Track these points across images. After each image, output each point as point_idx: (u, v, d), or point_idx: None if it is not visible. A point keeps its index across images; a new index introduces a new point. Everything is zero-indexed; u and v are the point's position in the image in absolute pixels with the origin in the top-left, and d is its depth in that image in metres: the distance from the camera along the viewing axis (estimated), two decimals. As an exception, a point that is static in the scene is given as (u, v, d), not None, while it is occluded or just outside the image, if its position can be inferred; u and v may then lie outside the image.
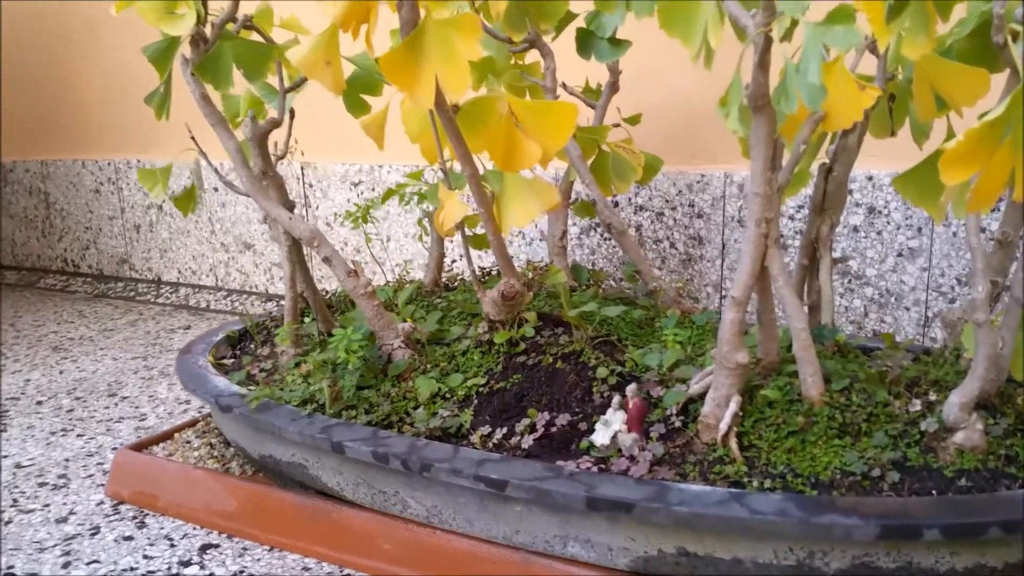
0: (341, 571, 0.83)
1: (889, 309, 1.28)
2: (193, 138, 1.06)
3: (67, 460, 1.12)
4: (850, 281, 1.30)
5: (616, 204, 1.47)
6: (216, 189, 1.95)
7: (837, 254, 1.30)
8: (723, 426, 0.73)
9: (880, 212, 1.26)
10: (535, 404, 0.85)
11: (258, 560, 0.85)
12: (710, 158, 1.40)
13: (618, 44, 1.07)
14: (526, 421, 0.82)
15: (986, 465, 0.68)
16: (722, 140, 1.38)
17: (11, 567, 0.86)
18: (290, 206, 0.96)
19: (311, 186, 1.82)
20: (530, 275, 1.19)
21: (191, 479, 0.95)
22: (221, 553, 0.87)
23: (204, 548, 0.89)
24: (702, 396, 0.79)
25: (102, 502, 0.99)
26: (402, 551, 0.80)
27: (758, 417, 0.75)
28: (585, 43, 1.08)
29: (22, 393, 1.41)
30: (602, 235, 1.49)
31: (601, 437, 0.78)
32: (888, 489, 0.67)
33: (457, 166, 0.87)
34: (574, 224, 1.51)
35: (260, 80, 0.88)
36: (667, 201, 1.43)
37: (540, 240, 1.56)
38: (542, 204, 0.87)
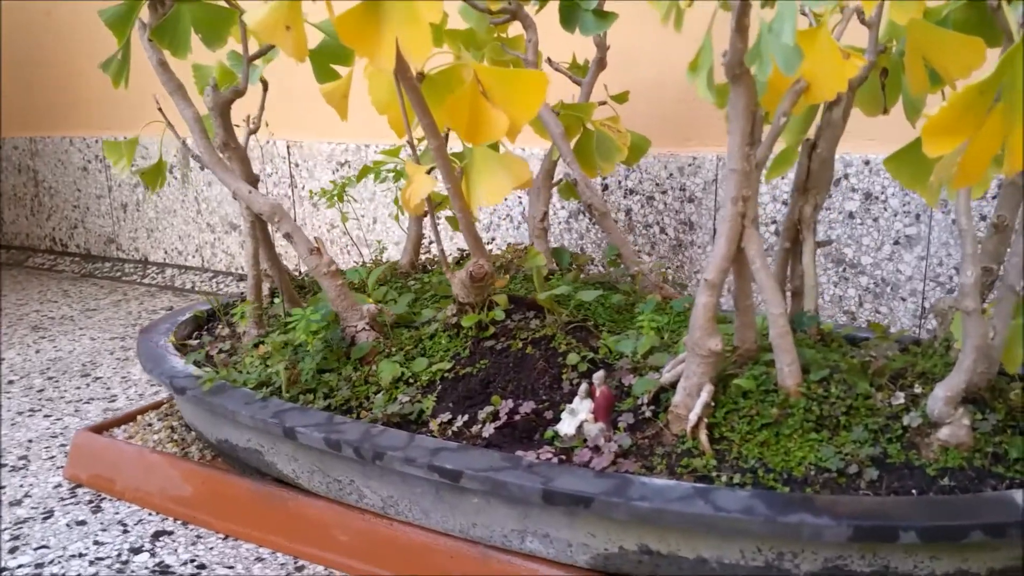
0: (295, 563, 0.79)
1: (885, 299, 1.23)
2: (160, 110, 1.02)
3: (30, 441, 1.08)
4: (844, 269, 1.25)
5: (606, 187, 1.42)
6: (202, 168, 1.91)
7: (823, 237, 1.25)
8: (693, 417, 0.69)
9: (877, 198, 1.21)
10: (501, 391, 0.81)
11: (211, 549, 0.82)
12: (702, 140, 1.35)
13: (604, 16, 1.02)
14: (489, 408, 0.78)
15: (971, 463, 0.63)
16: (715, 121, 1.33)
17: (-46, 552, 0.83)
18: (253, 180, 0.92)
19: (297, 165, 1.77)
20: (509, 257, 1.15)
21: (148, 463, 0.92)
22: (174, 540, 0.84)
23: (157, 535, 0.85)
24: (675, 385, 0.74)
25: (59, 485, 0.96)
26: (358, 543, 0.76)
27: (731, 408, 0.71)
28: (569, 15, 1.04)
29: (-7, 372, 1.38)
30: (591, 219, 1.45)
31: (566, 426, 0.74)
32: (865, 487, 0.63)
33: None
34: (562, 207, 1.47)
35: (219, 46, 0.84)
36: (657, 184, 1.38)
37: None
38: (513, 180, 0.83)
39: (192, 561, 0.80)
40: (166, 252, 2.06)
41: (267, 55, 0.99)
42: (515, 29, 1.12)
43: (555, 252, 1.16)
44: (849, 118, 0.83)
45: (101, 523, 0.87)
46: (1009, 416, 0.68)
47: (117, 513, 0.90)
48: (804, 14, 0.81)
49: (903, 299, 1.22)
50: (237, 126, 0.94)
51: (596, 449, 0.70)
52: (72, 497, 0.93)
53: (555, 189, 1.21)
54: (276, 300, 1.04)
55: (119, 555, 0.81)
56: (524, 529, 0.68)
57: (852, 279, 1.25)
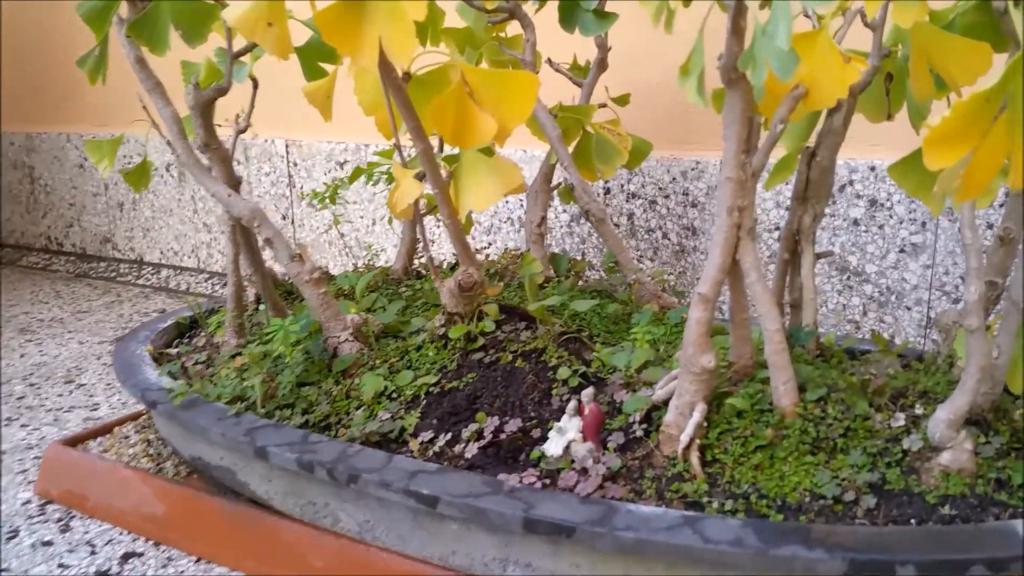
0: (269, 584, 0.76)
1: (889, 308, 1.19)
2: (145, 108, 0.99)
3: (3, 453, 1.06)
4: (849, 278, 1.21)
5: (608, 191, 1.39)
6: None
7: (833, 248, 1.21)
8: (684, 438, 0.66)
9: (882, 205, 1.18)
10: (488, 407, 0.78)
11: (182, 572, 0.79)
12: (706, 144, 1.31)
13: (604, 16, 0.99)
14: (474, 426, 0.74)
15: (974, 490, 0.60)
16: (718, 125, 1.28)
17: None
18: (234, 182, 0.89)
19: (295, 164, 1.75)
20: (504, 263, 1.12)
21: (121, 479, 0.89)
22: (144, 563, 0.81)
23: (127, 556, 0.82)
24: (668, 402, 0.71)
25: (29, 501, 0.93)
26: (333, 569, 0.73)
27: (724, 428, 0.67)
28: (569, 14, 1.00)
29: (-24, 378, 1.35)
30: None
31: (554, 446, 0.71)
32: (862, 516, 0.59)
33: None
34: (564, 211, 1.43)
35: (199, 42, 0.81)
36: (660, 189, 1.34)
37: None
38: (504, 186, 0.79)
39: (163, 583, 0.77)
40: (162, 252, 2.03)
41: (254, 52, 0.96)
42: (515, 28, 1.09)
43: (552, 258, 1.13)
44: (853, 123, 0.80)
45: (69, 543, 0.84)
46: (1013, 439, 0.65)
47: (87, 532, 0.86)
48: (807, 16, 0.77)
49: (908, 308, 1.18)
50: (219, 125, 0.91)
51: (583, 472, 0.67)
52: (41, 515, 0.90)
53: (556, 193, 1.18)
54: (262, 307, 1.01)
55: (85, 578, 0.79)
56: (506, 558, 0.65)
57: (856, 287, 1.21)
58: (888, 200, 1.17)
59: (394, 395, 0.81)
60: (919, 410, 0.66)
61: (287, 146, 1.75)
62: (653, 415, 0.72)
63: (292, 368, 0.82)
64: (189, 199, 1.94)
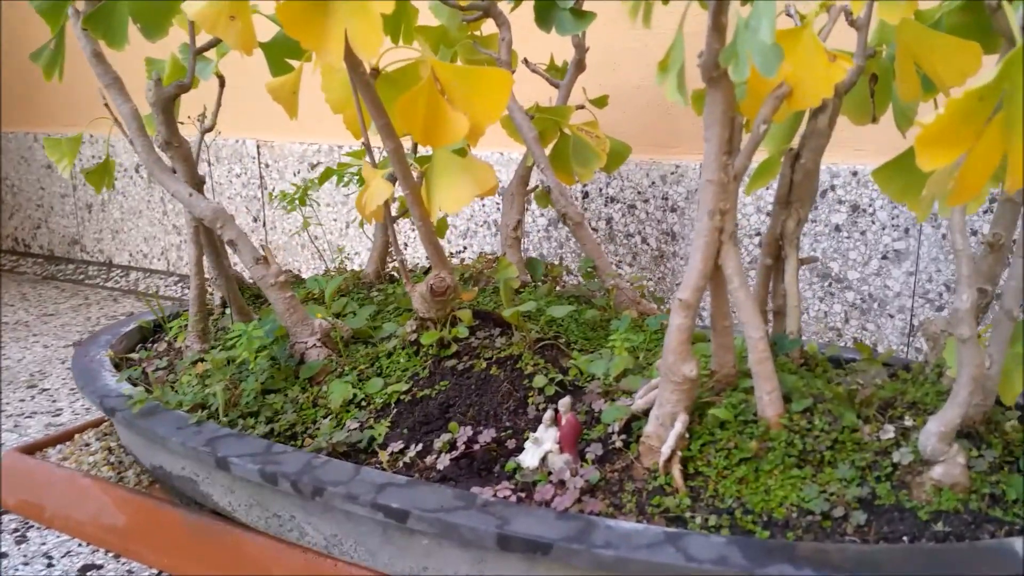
0: (231, 602, 0.72)
1: (872, 315, 1.18)
2: (107, 105, 0.95)
3: (-41, 460, 1.01)
4: (830, 284, 1.20)
5: (586, 195, 1.36)
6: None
7: (807, 253, 1.19)
8: (666, 450, 0.63)
9: (864, 211, 1.16)
10: (462, 416, 0.75)
11: (141, 586, 0.75)
12: (686, 147, 1.29)
13: (582, 16, 0.97)
14: (446, 436, 0.71)
15: (967, 506, 0.58)
16: (699, 128, 1.27)
17: None
18: (197, 182, 0.85)
19: (267, 166, 1.71)
20: (479, 267, 1.09)
21: (79, 488, 0.85)
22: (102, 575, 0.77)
23: (85, 569, 0.78)
24: (647, 412, 0.68)
25: (-17, 512, 0.89)
26: (299, 582, 0.70)
27: (707, 440, 0.65)
28: (545, 13, 0.98)
29: (-67, 382, 1.30)
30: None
31: (530, 458, 0.68)
32: (852, 532, 0.57)
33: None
34: (542, 215, 1.41)
35: (159, 36, 0.77)
36: (639, 193, 1.32)
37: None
38: (477, 187, 0.76)
39: (120, 599, 0.73)
40: (131, 255, 1.98)
41: (220, 48, 0.92)
42: (490, 27, 1.06)
43: (528, 263, 1.10)
44: (836, 126, 0.78)
45: (24, 556, 0.80)
46: (1006, 452, 0.63)
47: (44, 544, 0.82)
48: (789, 15, 0.75)
49: (891, 316, 1.17)
50: (182, 123, 0.87)
51: (560, 484, 0.64)
52: (-4, 525, 0.86)
53: (532, 196, 1.15)
54: (227, 311, 0.97)
55: (41, 591, 0.75)
56: (480, 574, 0.61)
57: (838, 294, 1.20)
58: (871, 206, 1.16)
59: (363, 403, 0.78)
60: (908, 421, 0.64)
61: (258, 147, 1.71)
62: (633, 425, 0.70)
63: (256, 375, 0.79)
64: (159, 200, 1.89)
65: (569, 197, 1.02)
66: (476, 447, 0.70)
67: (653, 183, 1.31)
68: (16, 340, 1.53)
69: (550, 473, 0.66)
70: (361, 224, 1.15)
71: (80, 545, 0.82)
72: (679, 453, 0.64)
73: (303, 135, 1.65)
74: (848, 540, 0.56)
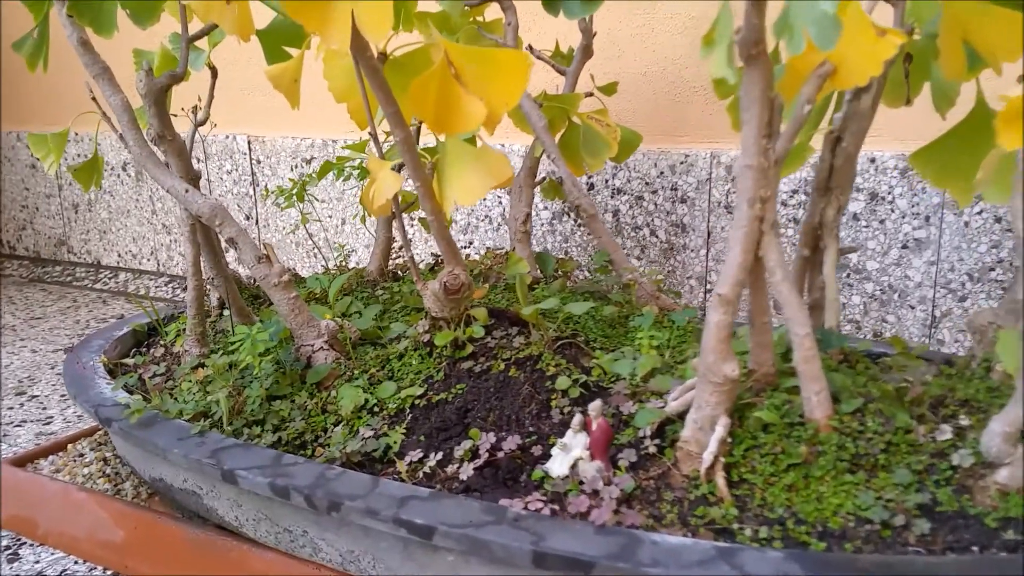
0: (239, 624, 0.68)
1: (892, 307, 1.14)
2: (95, 99, 0.90)
3: (-56, 474, 0.96)
4: (848, 275, 1.16)
5: (591, 186, 1.32)
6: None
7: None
8: (708, 456, 0.59)
9: (883, 199, 1.12)
10: (481, 421, 0.70)
11: (142, 607, 0.70)
12: (695, 136, 1.25)
13: (590, -1, 0.92)
14: (467, 444, 0.67)
15: (1037, 512, 0.54)
16: (710, 115, 1.23)
17: None
18: (193, 177, 0.80)
19: (259, 162, 1.65)
20: (488, 263, 1.04)
21: (74, 502, 0.80)
22: (100, 597, 0.72)
23: (82, 590, 0.73)
24: (682, 415, 0.64)
25: (-30, 529, 0.84)
26: (312, 602, 0.65)
27: (750, 444, 0.61)
28: (552, -3, 0.93)
29: (-84, 391, 1.24)
30: (576, 221, 1.34)
31: (558, 466, 0.63)
32: (915, 543, 0.53)
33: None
34: (545, 208, 1.36)
35: (150, 23, 0.72)
36: (647, 184, 1.28)
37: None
38: (492, 178, 0.72)
39: (119, 623, 0.68)
40: (120, 255, 1.93)
41: (212, 37, 0.87)
42: (494, 12, 1.02)
43: (538, 257, 1.06)
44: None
45: (17, 575, 0.75)
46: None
47: (37, 562, 0.78)
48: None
49: (911, 307, 1.13)
50: (175, 115, 0.82)
51: (594, 494, 0.59)
52: (-14, 543, 0.81)
53: (537, 189, 1.11)
54: (225, 312, 0.92)
55: (35, 615, 0.70)
56: (509, 593, 0.57)
57: (856, 285, 1.16)
58: (889, 193, 1.12)
59: (376, 409, 0.73)
60: (964, 421, 0.60)
61: (250, 142, 1.66)
62: (667, 429, 0.65)
63: (261, 380, 0.74)
64: (147, 199, 1.83)
65: (582, 188, 0.97)
66: (500, 455, 0.65)
67: (662, 173, 1.26)
68: (3, 345, 1.47)
69: (581, 482, 0.62)
70: (363, 219, 1.10)
71: (76, 563, 0.77)
72: (722, 459, 0.59)
73: (296, 130, 1.59)
74: (911, 551, 0.52)
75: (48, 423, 1.11)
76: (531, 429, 0.69)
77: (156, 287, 1.83)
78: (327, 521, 0.63)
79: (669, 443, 0.64)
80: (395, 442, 0.68)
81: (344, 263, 1.11)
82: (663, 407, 0.66)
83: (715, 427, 0.60)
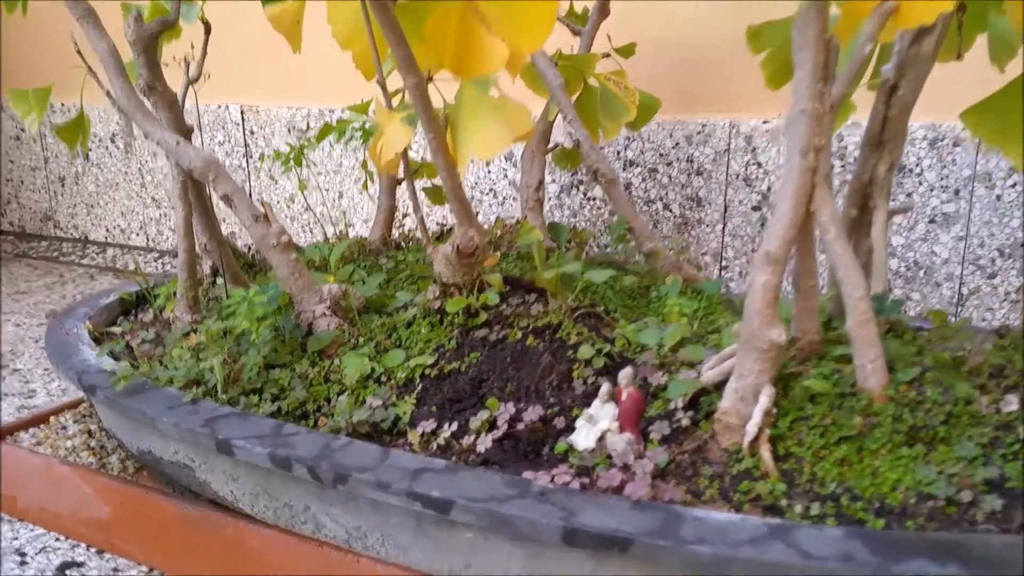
0: (235, 607, 0.62)
1: (917, 284, 1.09)
2: (80, 52, 0.84)
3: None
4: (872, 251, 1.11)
5: (601, 158, 1.26)
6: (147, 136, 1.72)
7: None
8: (752, 427, 0.54)
9: (911, 171, 1.07)
10: (497, 392, 0.65)
11: (129, 588, 0.65)
12: (714, 104, 1.19)
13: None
14: (484, 415, 0.62)
15: (1118, 489, 0.49)
16: (729, 82, 1.17)
17: None
18: (184, 130, 0.75)
19: (252, 132, 1.59)
20: (498, 232, 0.99)
21: (57, 477, 0.74)
22: (84, 574, 0.67)
23: (64, 567, 0.68)
24: (718, 386, 0.59)
25: (-55, 504, 0.78)
26: (314, 584, 0.60)
27: (797, 416, 0.56)
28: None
29: None
30: (585, 194, 1.29)
31: (584, 438, 0.58)
32: (984, 520, 0.48)
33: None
34: (552, 181, 1.31)
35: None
36: (662, 155, 1.22)
37: (515, 200, 1.35)
38: (512, 130, 0.66)
39: (104, 605, 0.63)
40: (108, 230, 1.86)
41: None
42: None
43: (551, 227, 1.00)
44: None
45: (-7, 553, 0.70)
46: None
47: (16, 539, 0.72)
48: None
49: (938, 284, 1.08)
50: (166, 64, 0.76)
51: (625, 468, 0.54)
52: (-38, 519, 0.75)
53: (549, 157, 1.05)
54: (219, 281, 0.86)
55: (12, 596, 0.64)
56: (534, 574, 0.52)
57: (881, 262, 1.11)
58: (917, 165, 1.07)
59: (383, 379, 0.68)
60: (1031, 391, 0.55)
61: (243, 112, 1.59)
62: (699, 401, 0.60)
63: (258, 347, 0.69)
64: (136, 172, 1.77)
65: (600, 152, 0.92)
66: (520, 426, 0.60)
67: (677, 144, 1.21)
68: (-15, 319, 1.41)
69: (609, 456, 0.57)
70: (364, 186, 1.04)
71: (58, 540, 0.72)
72: (767, 431, 0.54)
73: (291, 98, 1.53)
74: (982, 529, 0.47)
75: (31, 396, 1.05)
76: (552, 400, 0.64)
77: (145, 263, 1.77)
78: (332, 495, 0.57)
79: (704, 415, 0.59)
80: (405, 413, 0.63)
81: (345, 232, 1.05)
82: (697, 377, 0.61)
83: (758, 397, 0.55)
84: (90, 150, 1.82)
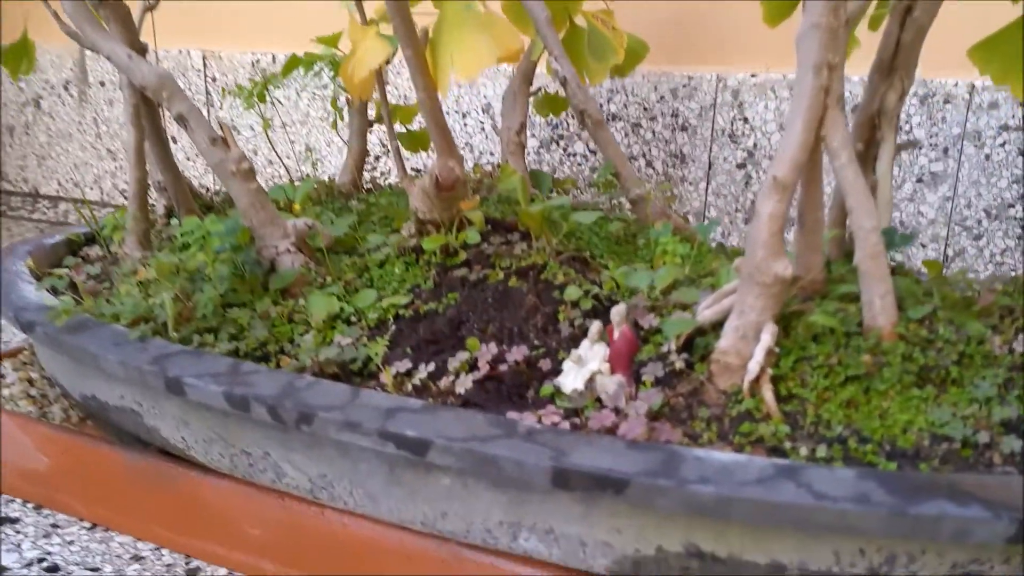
0: (187, 563, 0.57)
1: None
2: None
3: None
4: (858, 210, 1.08)
5: (584, 112, 1.21)
6: (103, 84, 1.63)
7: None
8: (753, 366, 0.50)
9: (899, 128, 1.04)
10: (479, 333, 0.60)
11: (70, 543, 0.59)
12: (700, 57, 1.15)
13: None
14: (464, 356, 0.57)
15: None
16: (716, 34, 1.13)
17: None
18: (138, 47, 0.68)
19: (214, 79, 1.51)
20: (477, 177, 0.94)
21: (-9, 426, 0.68)
22: (19, 532, 0.61)
23: (-2, 523, 0.62)
24: (714, 327, 0.55)
25: None
26: (275, 538, 0.55)
27: (800, 356, 0.52)
28: None
29: None
30: (565, 150, 1.24)
31: (572, 380, 0.54)
32: (1002, 463, 0.45)
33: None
34: (532, 135, 1.25)
35: None
36: (645, 109, 1.18)
37: (493, 155, 1.29)
38: (497, 48, 0.61)
39: (41, 561, 0.57)
40: (60, 184, 1.77)
41: None
42: None
43: (533, 175, 0.95)
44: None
45: (-81, 507, 0.64)
46: None
47: (-54, 493, 0.66)
48: None
49: (923, 246, 1.06)
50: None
51: (617, 411, 0.50)
52: None
53: (530, 103, 1.00)
54: (174, 221, 0.80)
55: (-61, 552, 0.58)
56: (517, 522, 0.48)
57: (867, 221, 1.08)
58: (906, 123, 1.04)
59: (352, 319, 0.63)
60: (1046, 331, 0.52)
61: (204, 58, 1.51)
62: (694, 343, 0.56)
63: (215, 283, 0.63)
64: (91, 122, 1.68)
65: (587, 92, 0.87)
66: (503, 367, 0.56)
67: (662, 98, 1.16)
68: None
69: (599, 399, 0.52)
70: (333, 125, 0.98)
71: (-9, 495, 0.66)
72: (769, 370, 0.50)
73: (255, 43, 1.46)
74: (1000, 472, 0.44)
75: (-30, 349, 0.98)
76: (537, 342, 0.59)
77: (100, 218, 1.68)
78: (295, 439, 0.52)
79: (699, 358, 0.55)
80: (377, 353, 0.58)
81: (313, 173, 0.99)
82: (693, 317, 0.57)
83: (760, 335, 0.51)
84: (40, 98, 1.73)
